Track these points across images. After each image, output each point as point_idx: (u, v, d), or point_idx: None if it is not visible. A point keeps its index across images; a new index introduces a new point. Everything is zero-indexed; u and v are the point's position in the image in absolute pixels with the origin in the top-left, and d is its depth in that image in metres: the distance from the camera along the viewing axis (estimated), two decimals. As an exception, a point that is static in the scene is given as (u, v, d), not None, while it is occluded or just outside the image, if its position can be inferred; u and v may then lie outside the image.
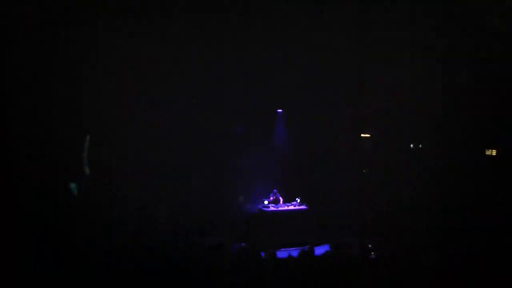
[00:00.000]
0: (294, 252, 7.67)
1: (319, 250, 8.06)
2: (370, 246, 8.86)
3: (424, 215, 11.02)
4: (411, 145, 13.46)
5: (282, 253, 9.07)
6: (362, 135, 14.12)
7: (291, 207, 12.85)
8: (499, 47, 8.84)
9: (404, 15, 9.17)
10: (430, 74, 10.25)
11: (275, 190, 13.16)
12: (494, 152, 11.69)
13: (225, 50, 10.26)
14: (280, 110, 13.88)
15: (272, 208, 12.70)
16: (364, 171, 13.91)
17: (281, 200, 13.08)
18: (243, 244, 11.05)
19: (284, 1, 9.09)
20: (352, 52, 10.52)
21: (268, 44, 10.24)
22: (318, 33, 9.80)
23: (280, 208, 12.75)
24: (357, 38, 10.15)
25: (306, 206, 12.93)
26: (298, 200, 12.99)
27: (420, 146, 13.32)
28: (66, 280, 4.22)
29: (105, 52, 9.30)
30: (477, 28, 8.84)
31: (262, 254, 7.73)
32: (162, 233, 11.20)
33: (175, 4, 8.92)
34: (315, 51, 10.39)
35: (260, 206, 12.80)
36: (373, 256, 7.68)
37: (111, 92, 9.96)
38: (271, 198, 13.06)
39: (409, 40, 9.70)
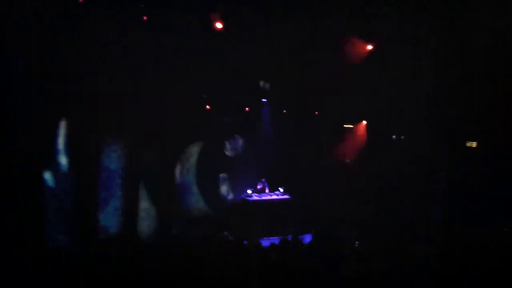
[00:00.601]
0: (277, 241, 7.68)
1: (302, 240, 8.09)
2: (353, 237, 8.95)
3: (407, 205, 11.18)
4: (393, 137, 13.58)
5: (265, 242, 9.09)
6: (345, 125, 14.17)
7: (274, 197, 12.86)
8: (485, 42, 8.94)
9: (393, 10, 9.17)
10: (416, 68, 10.31)
11: (263, 180, 13.14)
12: (474, 144, 11.87)
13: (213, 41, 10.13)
14: (265, 100, 13.81)
15: (255, 197, 12.68)
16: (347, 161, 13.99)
17: (267, 189, 13.07)
18: (225, 232, 11.05)
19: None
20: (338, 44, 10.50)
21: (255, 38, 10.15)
22: (307, 27, 9.73)
23: (263, 198, 12.75)
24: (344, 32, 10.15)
25: (289, 195, 12.96)
26: (281, 190, 13.00)
27: (402, 137, 13.45)
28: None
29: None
30: (466, 23, 8.90)
31: (245, 242, 7.73)
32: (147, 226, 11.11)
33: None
34: (302, 43, 10.32)
35: (244, 195, 12.77)
36: (356, 245, 7.75)
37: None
38: (259, 187, 13.03)
39: (397, 35, 9.71)
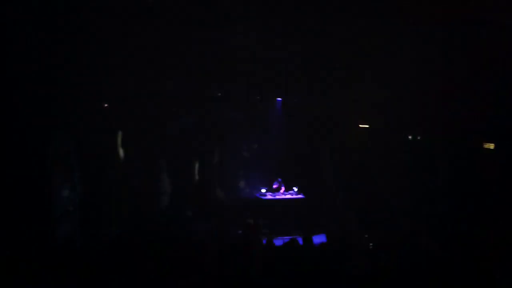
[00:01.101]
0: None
1: (316, 239, 8.10)
2: (366, 236, 8.92)
3: (420, 206, 11.09)
4: (409, 137, 13.46)
5: (278, 241, 9.11)
6: (360, 125, 14.07)
7: (288, 196, 12.88)
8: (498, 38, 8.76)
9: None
10: (430, 65, 10.16)
11: (279, 179, 13.15)
12: (492, 146, 11.69)
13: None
14: (280, 99, 13.82)
15: (269, 196, 12.72)
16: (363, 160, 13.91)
17: (283, 189, 13.08)
18: (239, 231, 11.11)
19: None
20: (351, 40, 10.40)
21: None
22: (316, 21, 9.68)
23: (277, 197, 12.78)
24: (356, 28, 10.04)
25: (303, 195, 12.96)
26: (296, 189, 13.01)
27: (419, 138, 13.31)
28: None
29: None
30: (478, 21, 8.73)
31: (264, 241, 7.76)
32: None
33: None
34: (313, 39, 10.27)
35: (258, 194, 12.81)
36: (370, 246, 7.72)
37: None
38: (274, 186, 13.04)
39: (408, 30, 9.57)
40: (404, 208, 11.41)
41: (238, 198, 13.15)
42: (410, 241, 4.15)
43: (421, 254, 3.90)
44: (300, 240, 7.03)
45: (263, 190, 12.84)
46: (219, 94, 12.62)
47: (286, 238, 9.95)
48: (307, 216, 12.36)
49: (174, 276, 3.43)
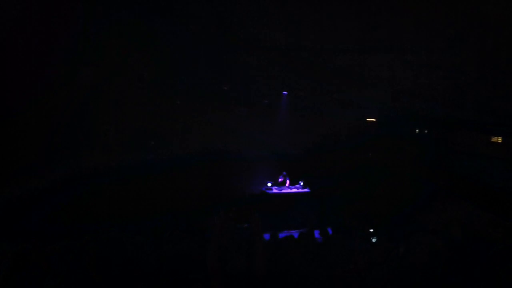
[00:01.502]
0: (295, 234, 7.70)
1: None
2: (371, 231, 8.90)
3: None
4: (417, 131, 13.42)
5: (283, 235, 9.12)
6: (367, 119, 14.05)
7: (294, 190, 12.91)
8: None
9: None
10: (435, 58, 10.12)
11: (284, 173, 13.17)
12: (500, 139, 11.62)
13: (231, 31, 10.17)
14: (285, 92, 13.83)
15: (275, 190, 12.75)
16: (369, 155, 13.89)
17: (288, 183, 13.12)
18: (246, 225, 11.15)
19: None
20: (357, 33, 10.38)
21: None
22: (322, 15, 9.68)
23: (283, 191, 12.81)
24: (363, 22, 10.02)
25: (309, 189, 12.98)
26: (301, 183, 13.03)
27: (426, 132, 13.27)
28: None
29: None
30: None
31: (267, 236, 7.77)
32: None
33: None
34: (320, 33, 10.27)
35: (264, 188, 12.84)
36: (373, 241, 7.70)
37: None
38: (280, 180, 13.08)
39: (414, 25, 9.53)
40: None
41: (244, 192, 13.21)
42: (413, 238, 4.13)
43: (423, 253, 3.89)
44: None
45: (269, 184, 12.87)
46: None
47: (292, 232, 10.00)
48: (313, 209, 12.37)
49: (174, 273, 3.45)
